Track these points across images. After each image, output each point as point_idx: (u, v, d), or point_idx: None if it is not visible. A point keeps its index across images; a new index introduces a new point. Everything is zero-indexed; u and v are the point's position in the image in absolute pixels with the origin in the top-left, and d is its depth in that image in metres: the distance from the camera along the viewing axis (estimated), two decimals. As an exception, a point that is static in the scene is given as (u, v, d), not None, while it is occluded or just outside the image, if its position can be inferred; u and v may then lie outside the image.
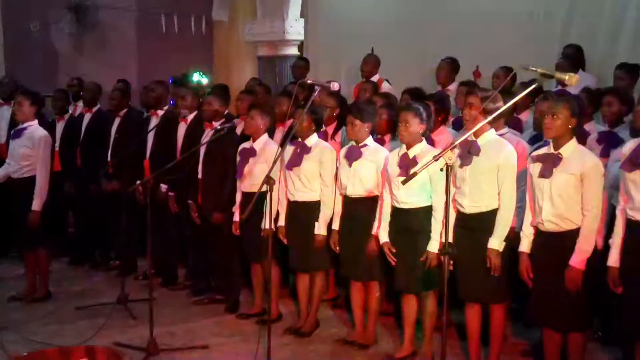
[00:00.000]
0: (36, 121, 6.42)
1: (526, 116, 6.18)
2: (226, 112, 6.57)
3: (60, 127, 7.76)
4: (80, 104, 7.87)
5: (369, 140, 5.22)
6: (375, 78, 7.83)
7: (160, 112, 7.08)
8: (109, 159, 7.28)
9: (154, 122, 7.02)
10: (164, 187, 6.65)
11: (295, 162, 5.43)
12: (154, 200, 6.45)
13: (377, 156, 5.15)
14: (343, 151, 5.33)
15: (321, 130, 5.90)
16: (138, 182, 5.73)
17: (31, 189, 6.25)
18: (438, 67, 7.47)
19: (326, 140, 5.85)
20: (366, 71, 7.92)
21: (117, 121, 7.36)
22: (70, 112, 7.93)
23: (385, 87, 7.65)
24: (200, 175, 6.23)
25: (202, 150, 6.13)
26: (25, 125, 6.37)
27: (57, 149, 7.52)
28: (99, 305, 6.28)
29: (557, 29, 7.67)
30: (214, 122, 6.19)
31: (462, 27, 8.21)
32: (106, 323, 5.63)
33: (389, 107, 5.61)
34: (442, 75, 7.43)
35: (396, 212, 4.92)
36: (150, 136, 6.95)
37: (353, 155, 5.19)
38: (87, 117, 7.65)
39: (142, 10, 11.85)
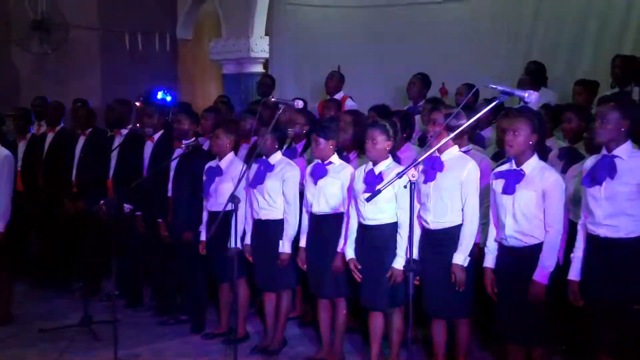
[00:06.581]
0: (-4, 141, 6.36)
1: (489, 132, 6.25)
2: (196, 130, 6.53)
3: (22, 146, 7.65)
4: (44, 123, 7.77)
5: (334, 158, 5.22)
6: (339, 95, 7.85)
7: (124, 131, 7.03)
8: (73, 178, 7.20)
9: (117, 141, 6.97)
10: (127, 207, 6.58)
11: (258, 179, 5.42)
12: (118, 220, 6.41)
13: (342, 173, 5.16)
14: (308, 169, 5.34)
15: (290, 147, 5.90)
16: (102, 201, 5.67)
17: (-8, 210, 6.15)
18: (409, 83, 7.42)
19: (295, 157, 5.85)
20: (330, 88, 7.92)
21: (82, 140, 7.29)
22: (32, 131, 7.82)
23: (349, 104, 7.67)
24: (170, 194, 6.19)
25: (173, 169, 6.09)
26: (-15, 145, 6.28)
27: (19, 168, 7.40)
28: (62, 327, 6.16)
29: (521, 47, 7.82)
30: (184, 141, 6.16)
31: (428, 44, 8.30)
32: (70, 345, 5.54)
33: (356, 124, 5.63)
34: (413, 91, 7.37)
35: (362, 229, 4.92)
36: (114, 155, 6.89)
37: (318, 173, 5.19)
38: (50, 136, 7.57)
39: (106, 29, 11.78)
